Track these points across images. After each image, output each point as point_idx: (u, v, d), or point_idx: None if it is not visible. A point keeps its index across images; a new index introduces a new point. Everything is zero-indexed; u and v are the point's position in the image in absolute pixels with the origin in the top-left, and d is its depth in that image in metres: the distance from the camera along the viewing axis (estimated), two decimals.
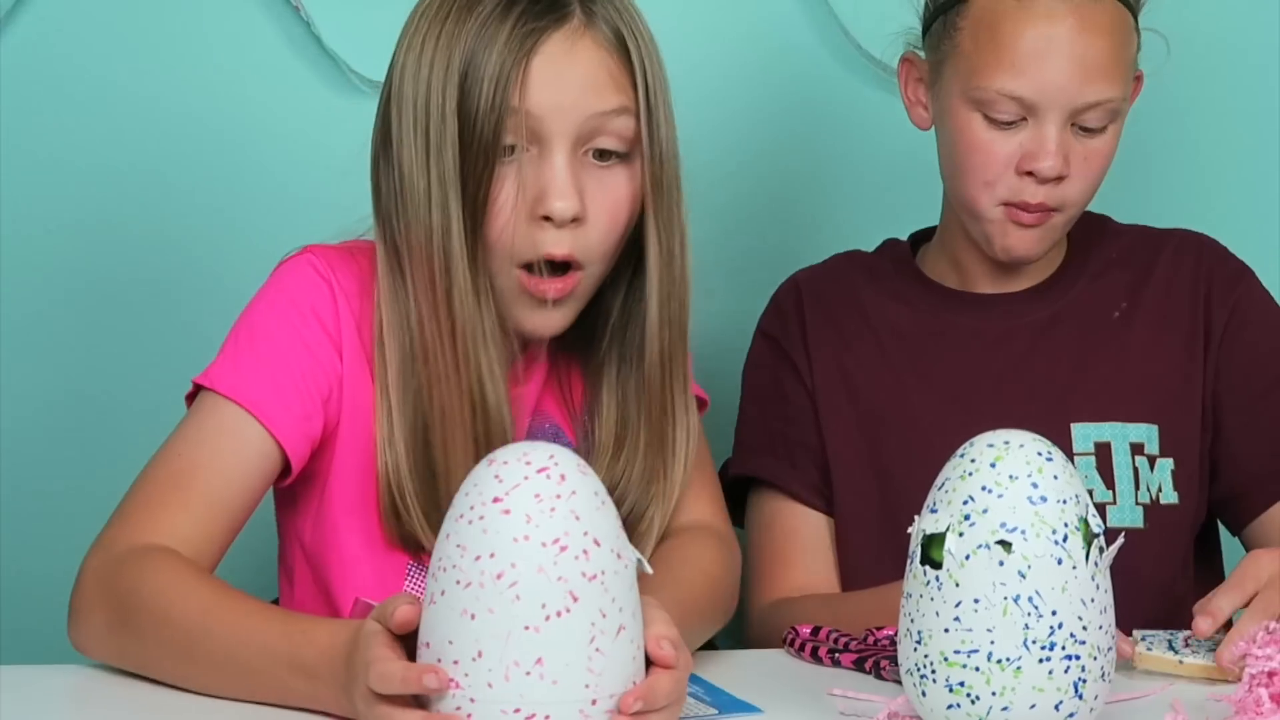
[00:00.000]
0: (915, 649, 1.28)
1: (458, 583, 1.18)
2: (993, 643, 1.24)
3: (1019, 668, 1.24)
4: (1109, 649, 1.27)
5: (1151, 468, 1.77)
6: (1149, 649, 1.48)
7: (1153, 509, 1.76)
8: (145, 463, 1.50)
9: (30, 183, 2.04)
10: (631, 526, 1.54)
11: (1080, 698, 1.25)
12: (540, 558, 1.16)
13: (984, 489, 1.25)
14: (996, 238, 1.74)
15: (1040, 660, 1.24)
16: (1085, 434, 1.76)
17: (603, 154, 1.51)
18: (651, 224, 1.53)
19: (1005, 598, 1.24)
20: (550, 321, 1.53)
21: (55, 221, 2.05)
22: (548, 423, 1.60)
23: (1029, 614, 1.24)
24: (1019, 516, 1.24)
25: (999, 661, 1.24)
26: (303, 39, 2.06)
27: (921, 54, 1.80)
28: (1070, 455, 1.74)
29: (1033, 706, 1.25)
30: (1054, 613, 1.24)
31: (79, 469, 2.06)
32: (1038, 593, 1.24)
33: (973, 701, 1.25)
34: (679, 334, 1.56)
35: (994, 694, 1.25)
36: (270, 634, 1.33)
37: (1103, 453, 1.76)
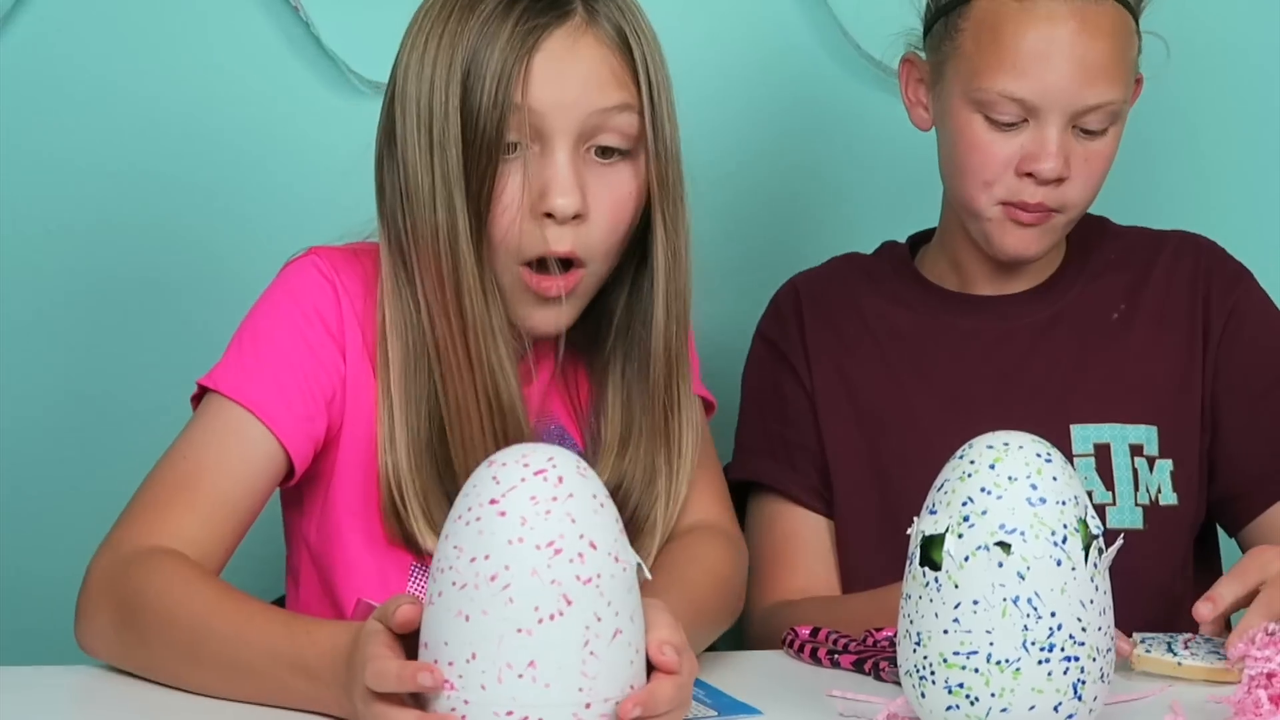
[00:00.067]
0: (914, 650, 1.28)
1: (454, 584, 1.18)
2: (992, 644, 1.24)
3: (1018, 669, 1.24)
4: (1108, 650, 1.27)
5: (1151, 469, 1.77)
6: (1148, 651, 1.48)
7: (1152, 510, 1.76)
8: (148, 464, 1.50)
9: (30, 183, 2.04)
10: (637, 526, 1.54)
11: (1079, 699, 1.25)
12: (534, 560, 1.16)
13: (983, 490, 1.25)
14: (995, 236, 1.74)
15: (1039, 661, 1.24)
16: (1085, 435, 1.76)
17: (605, 151, 1.51)
18: (658, 221, 1.53)
19: (1004, 599, 1.24)
20: (553, 319, 1.53)
21: (55, 222, 2.05)
22: (553, 424, 1.60)
23: (1028, 615, 1.24)
24: (1018, 518, 1.24)
25: (998, 663, 1.24)
26: (302, 39, 2.06)
27: (922, 55, 1.80)
28: (1070, 457, 1.74)
29: (1032, 708, 1.25)
30: (1053, 614, 1.24)
31: (81, 470, 2.06)
32: (1037, 594, 1.24)
33: (972, 703, 1.25)
34: (683, 331, 1.57)
35: (993, 695, 1.25)
36: (273, 635, 1.34)
37: (1102, 454, 1.76)
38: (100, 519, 1.48)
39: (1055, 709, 1.25)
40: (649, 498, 1.56)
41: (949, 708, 1.26)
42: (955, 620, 1.25)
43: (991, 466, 1.26)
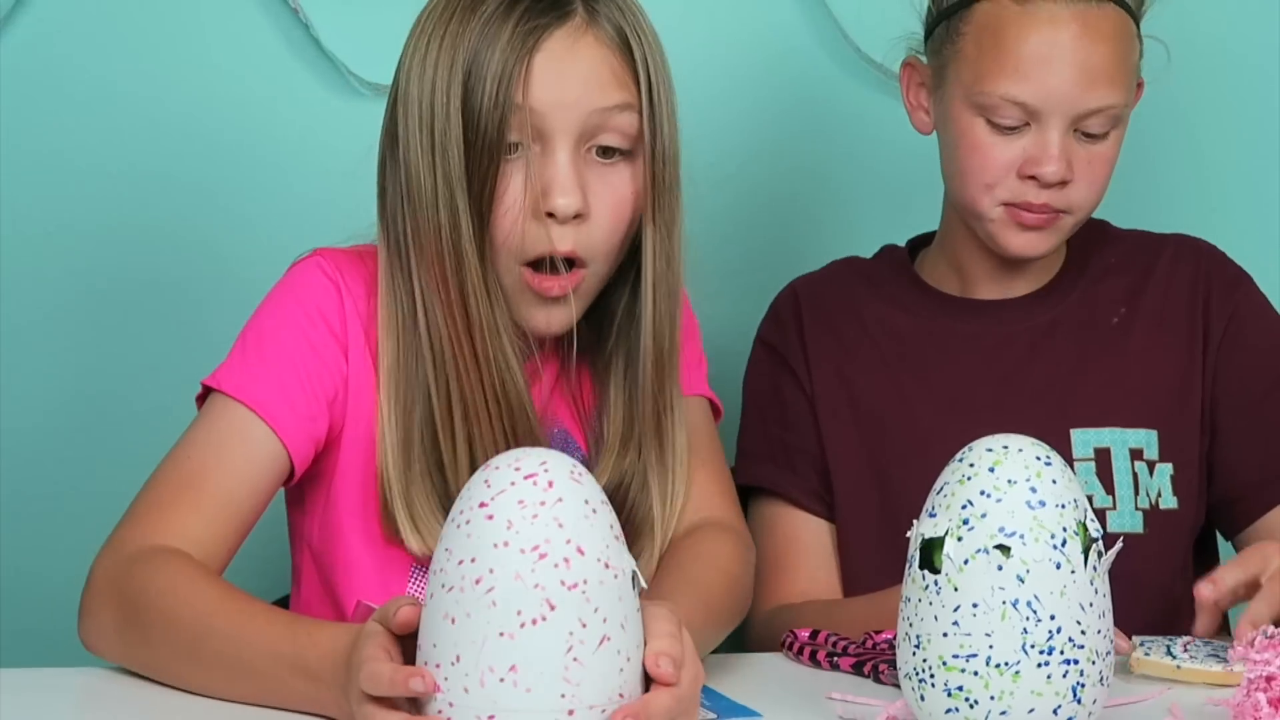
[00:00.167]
0: (914, 653, 1.28)
1: (443, 586, 1.18)
2: (991, 647, 1.24)
3: (1017, 672, 1.24)
4: (1107, 653, 1.27)
5: (1151, 473, 1.77)
6: (1147, 654, 1.48)
7: (1152, 514, 1.76)
8: (150, 464, 1.50)
9: (31, 184, 2.04)
10: (635, 527, 1.54)
11: (1078, 702, 1.25)
12: (518, 564, 1.15)
13: (983, 493, 1.25)
14: (999, 237, 1.74)
15: (1039, 665, 1.24)
16: (1085, 439, 1.76)
17: (606, 151, 1.51)
18: (650, 223, 1.53)
19: (1004, 602, 1.24)
20: (554, 319, 1.53)
21: (56, 223, 2.05)
22: (556, 427, 1.60)
23: (1027, 618, 1.24)
24: (1017, 521, 1.24)
25: (997, 666, 1.24)
26: (302, 41, 2.07)
27: (923, 59, 1.80)
28: (1070, 461, 1.74)
29: (1031, 711, 1.25)
30: (1052, 617, 1.24)
31: (83, 471, 2.06)
32: (1036, 597, 1.24)
33: (971, 706, 1.25)
34: (674, 332, 1.56)
35: (992, 698, 1.25)
36: (275, 636, 1.34)
37: (1102, 458, 1.76)
38: (103, 519, 1.48)
39: (1054, 712, 1.25)
40: (644, 497, 1.56)
41: (948, 710, 1.26)
42: (955, 623, 1.25)
43: (991, 470, 1.26)
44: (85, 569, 1.45)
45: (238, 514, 1.48)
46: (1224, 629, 1.78)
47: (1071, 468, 1.70)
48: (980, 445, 1.28)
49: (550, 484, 1.17)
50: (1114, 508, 1.75)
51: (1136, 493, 1.76)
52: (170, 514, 1.45)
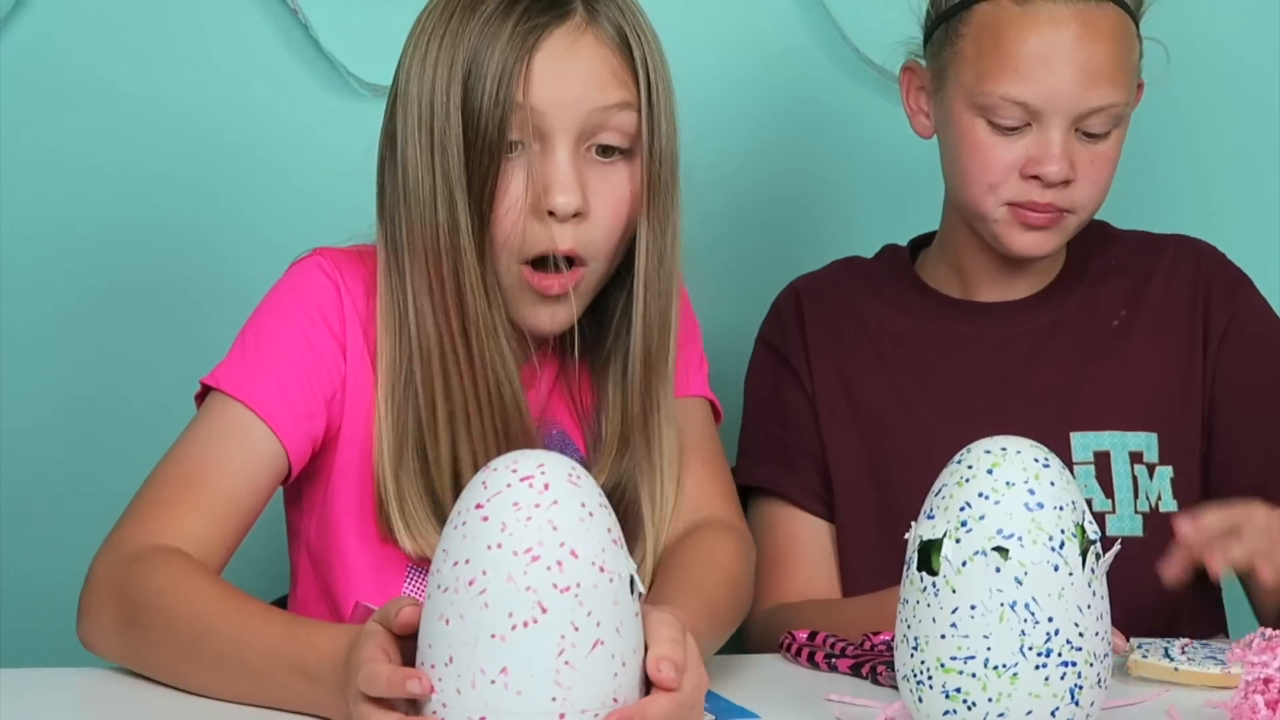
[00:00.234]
0: (912, 655, 1.28)
1: (439, 587, 1.18)
2: (989, 649, 1.24)
3: (1015, 674, 1.24)
4: (1105, 655, 1.27)
5: (1151, 476, 1.77)
6: (1145, 656, 1.48)
7: (1152, 517, 1.76)
8: (150, 464, 1.50)
9: (30, 185, 2.04)
10: (629, 529, 1.54)
11: (1076, 704, 1.25)
12: (510, 566, 1.15)
13: (981, 495, 1.25)
14: (1004, 237, 1.74)
15: (1036, 666, 1.24)
16: (1084, 443, 1.76)
17: (605, 150, 1.51)
18: (644, 222, 1.53)
19: (1002, 604, 1.24)
20: (554, 317, 1.53)
21: (55, 223, 2.05)
22: (555, 429, 1.60)
23: (1025, 620, 1.24)
24: (1016, 523, 1.24)
25: (995, 668, 1.24)
26: (301, 42, 2.07)
27: (923, 62, 1.80)
28: (1070, 464, 1.74)
29: (1029, 713, 1.25)
30: (1050, 619, 1.24)
31: (83, 471, 2.06)
32: (1034, 599, 1.24)
33: (969, 708, 1.25)
34: (665, 331, 1.56)
35: (990, 700, 1.25)
36: (274, 636, 1.34)
37: (1102, 462, 1.76)
38: (103, 519, 1.48)
39: (1052, 714, 1.25)
40: (636, 497, 1.56)
41: (946, 712, 1.26)
42: (953, 625, 1.25)
43: (989, 471, 1.26)
44: (85, 569, 1.45)
45: (237, 513, 1.48)
46: (1222, 631, 1.79)
47: (1071, 471, 1.70)
48: (978, 447, 1.28)
49: (546, 486, 1.17)
50: (1114, 511, 1.75)
51: (1136, 496, 1.76)
52: (169, 513, 1.45)
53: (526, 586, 1.15)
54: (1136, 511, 1.76)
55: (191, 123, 2.06)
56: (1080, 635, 1.25)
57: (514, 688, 1.15)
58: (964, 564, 1.25)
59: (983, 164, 1.72)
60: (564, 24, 1.49)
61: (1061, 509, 1.25)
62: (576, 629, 1.16)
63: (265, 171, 2.07)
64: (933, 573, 1.26)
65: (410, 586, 1.53)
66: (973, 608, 1.24)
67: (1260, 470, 1.78)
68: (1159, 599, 1.74)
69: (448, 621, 1.17)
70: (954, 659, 1.25)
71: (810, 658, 1.53)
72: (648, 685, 1.21)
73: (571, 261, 1.51)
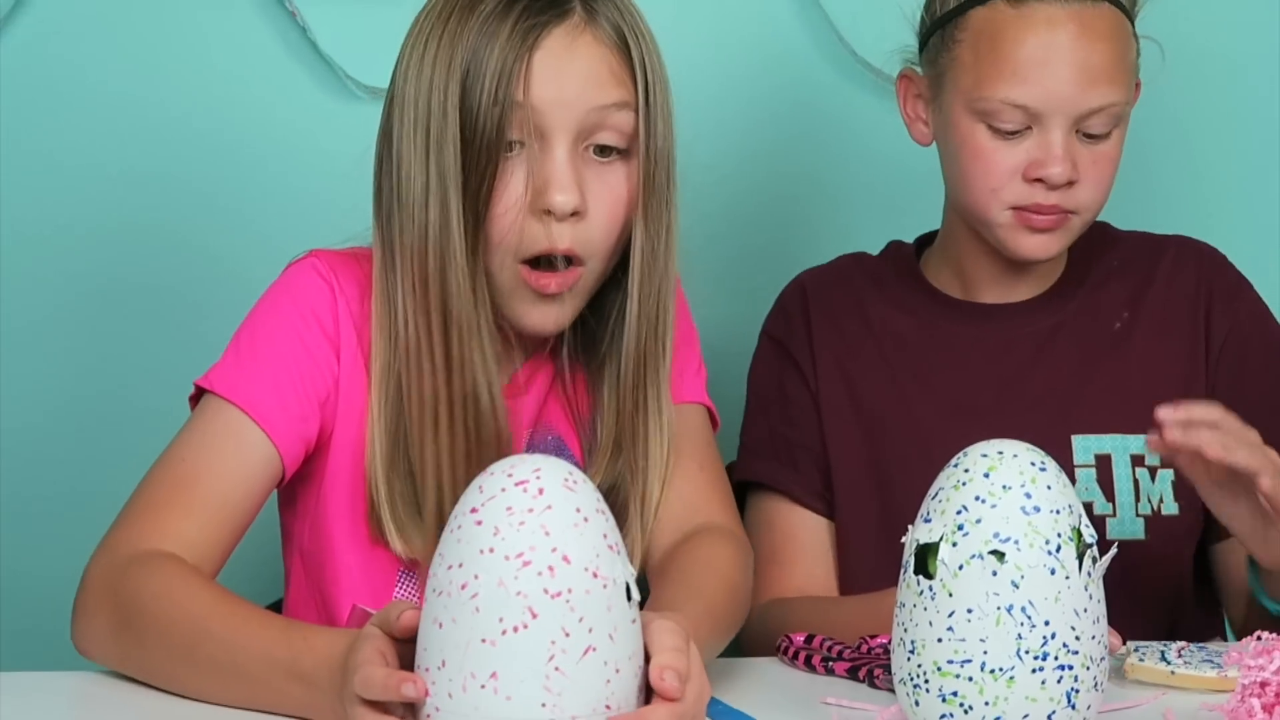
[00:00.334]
0: (909, 658, 1.28)
1: (434, 590, 1.18)
2: (986, 653, 1.24)
3: (1012, 678, 1.24)
4: (1102, 659, 1.27)
5: (1152, 479, 1.76)
6: (1141, 659, 1.48)
7: (1153, 520, 1.76)
8: (147, 465, 1.50)
9: (28, 186, 2.05)
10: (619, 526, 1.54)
11: (1073, 708, 1.25)
12: (501, 571, 1.15)
13: (977, 499, 1.25)
14: (1009, 241, 1.74)
15: (1033, 670, 1.24)
16: (1086, 446, 1.76)
17: (603, 150, 1.51)
18: (639, 222, 1.53)
19: (998, 608, 1.24)
20: (551, 317, 1.53)
21: (52, 224, 2.05)
22: (550, 435, 1.60)
23: (1022, 624, 1.24)
24: (1012, 526, 1.24)
25: (992, 671, 1.24)
26: (299, 44, 2.07)
27: (919, 70, 1.79)
28: (1071, 467, 1.74)
29: (1026, 716, 1.25)
30: (1047, 623, 1.24)
31: (80, 472, 2.06)
32: (1031, 603, 1.24)
33: (966, 711, 1.25)
34: (658, 333, 1.56)
35: (987, 704, 1.25)
36: (270, 641, 1.34)
37: (1103, 465, 1.76)
38: (100, 521, 1.48)
39: (1049, 717, 1.25)
40: (624, 498, 1.56)
41: (943, 716, 1.26)
42: (949, 628, 1.25)
43: (986, 475, 1.25)
44: (81, 570, 1.45)
45: (231, 517, 1.48)
46: (1219, 634, 1.79)
47: (1072, 474, 1.71)
48: (975, 451, 1.28)
49: (540, 491, 1.17)
50: (1114, 514, 1.75)
51: (1138, 499, 1.76)
52: (164, 517, 1.45)
53: (517, 591, 1.15)
54: (1138, 515, 1.75)
55: (190, 124, 2.06)
56: (1077, 639, 1.25)
57: (504, 692, 1.15)
58: (960, 567, 1.25)
59: (985, 169, 1.71)
60: (563, 23, 1.49)
61: (1058, 512, 1.25)
62: (568, 635, 1.15)
63: (263, 173, 2.08)
64: (929, 576, 1.26)
65: (401, 590, 1.53)
66: (969, 611, 1.24)
67: None
68: (1160, 602, 1.75)
69: (441, 625, 1.17)
70: (951, 662, 1.25)
71: (807, 661, 1.53)
72: (648, 693, 1.20)
73: (569, 260, 1.51)
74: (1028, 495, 1.25)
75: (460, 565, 1.16)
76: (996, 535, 1.24)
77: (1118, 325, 1.81)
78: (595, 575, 1.16)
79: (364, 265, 1.56)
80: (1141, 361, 1.79)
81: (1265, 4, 2.24)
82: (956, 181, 1.76)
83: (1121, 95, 1.70)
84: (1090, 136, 1.71)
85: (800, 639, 1.56)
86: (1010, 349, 1.80)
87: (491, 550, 1.15)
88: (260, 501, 1.51)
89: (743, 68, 2.16)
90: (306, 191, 2.05)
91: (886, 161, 2.14)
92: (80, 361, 2.07)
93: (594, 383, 1.60)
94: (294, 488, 1.56)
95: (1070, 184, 1.70)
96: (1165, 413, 1.49)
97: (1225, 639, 1.78)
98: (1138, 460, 1.76)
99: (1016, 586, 1.24)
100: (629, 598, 1.19)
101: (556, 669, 1.15)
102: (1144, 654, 1.49)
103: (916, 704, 1.28)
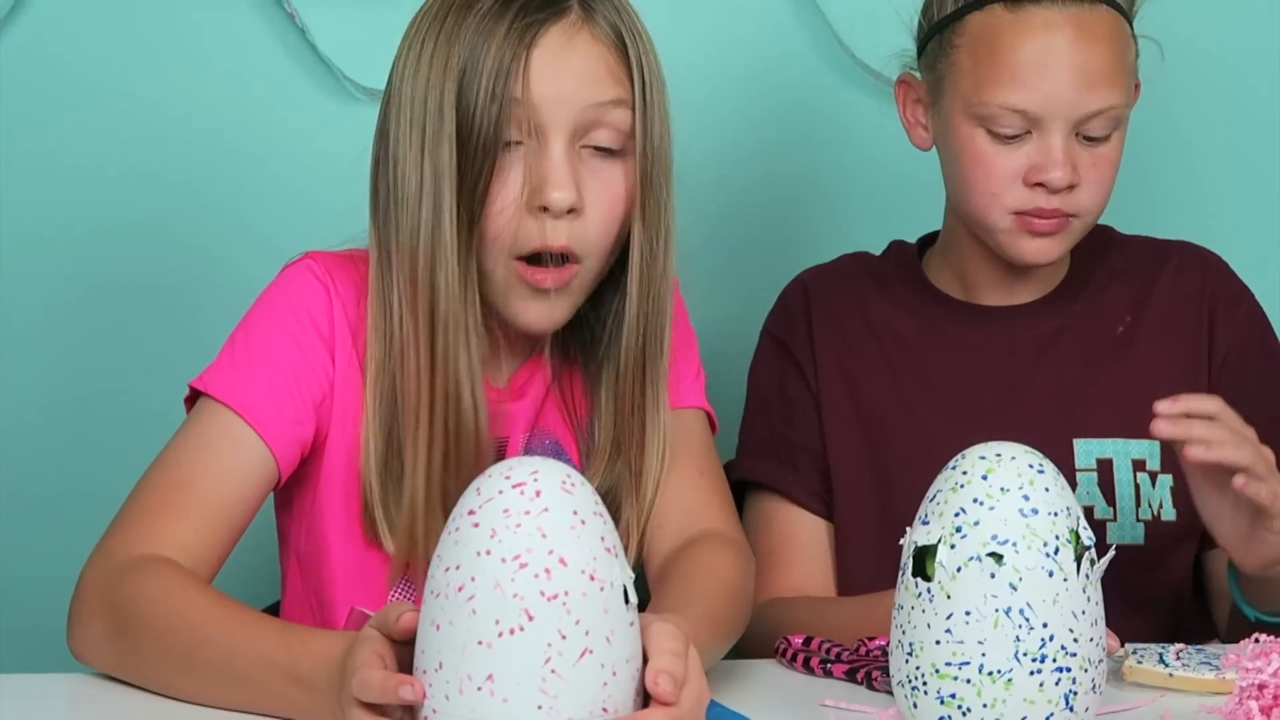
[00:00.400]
0: (907, 661, 1.28)
1: (432, 592, 1.18)
2: (984, 655, 1.24)
3: (1010, 680, 1.24)
4: (1100, 661, 1.27)
5: (1153, 484, 1.76)
6: (1139, 662, 1.48)
7: (1153, 526, 1.75)
8: (144, 466, 1.50)
9: (27, 186, 2.05)
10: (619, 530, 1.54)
11: (1071, 710, 1.25)
12: (498, 573, 1.15)
13: (975, 501, 1.25)
14: (1011, 246, 1.73)
15: (1031, 672, 1.24)
16: (1087, 450, 1.76)
17: (599, 150, 1.51)
18: (637, 221, 1.53)
19: (996, 610, 1.24)
20: (548, 314, 1.53)
21: (51, 225, 2.05)
22: (547, 439, 1.60)
23: (1020, 626, 1.24)
24: (1010, 529, 1.24)
25: (990, 673, 1.24)
26: (298, 45, 2.07)
27: (918, 75, 1.79)
28: (1072, 471, 1.73)
29: (1024, 718, 1.25)
30: (1045, 625, 1.24)
31: (78, 474, 2.06)
32: (1029, 605, 1.24)
33: (964, 713, 1.25)
34: (656, 334, 1.56)
35: (985, 706, 1.25)
36: (268, 644, 1.34)
37: (1104, 469, 1.75)
38: (97, 522, 1.48)
39: (1047, 719, 1.25)
40: (619, 499, 1.56)
41: (941, 718, 1.26)
42: (947, 631, 1.25)
43: (984, 477, 1.26)
44: (78, 571, 1.44)
45: (227, 520, 1.47)
46: (1215, 636, 1.79)
47: (1073, 478, 1.71)
48: (973, 453, 1.28)
49: (538, 493, 1.17)
50: (1114, 519, 1.75)
51: (1138, 504, 1.75)
52: (159, 521, 1.45)
53: (514, 594, 1.15)
54: (1138, 519, 1.75)
55: (188, 125, 2.06)
56: (1075, 641, 1.25)
57: (500, 695, 1.15)
58: (959, 570, 1.25)
59: (985, 174, 1.71)
60: (560, 21, 1.49)
61: (1056, 515, 1.25)
62: (564, 637, 1.15)
63: (261, 174, 2.08)
64: (927, 578, 1.26)
65: (396, 593, 1.53)
66: (967, 613, 1.24)
67: None
68: (1160, 607, 1.74)
69: (438, 627, 1.17)
70: (949, 665, 1.25)
71: (805, 663, 1.53)
72: (647, 696, 1.20)
73: (565, 258, 1.51)
74: (1026, 497, 1.25)
75: (457, 567, 1.16)
76: (994, 537, 1.24)
77: (1121, 329, 1.81)
78: (592, 578, 1.16)
79: (360, 267, 1.56)
80: (1144, 366, 1.79)
81: (1265, 4, 2.24)
82: (957, 187, 1.75)
83: (1121, 98, 1.70)
84: (1090, 139, 1.71)
85: (799, 641, 1.56)
86: (1013, 351, 1.80)
87: (488, 552, 1.15)
88: (256, 505, 1.51)
89: (740, 69, 2.16)
90: (304, 193, 2.05)
91: (884, 163, 2.14)
92: (78, 361, 2.07)
93: (591, 385, 1.60)
94: (290, 490, 1.56)
95: (1071, 188, 1.70)
96: (1163, 405, 1.49)
97: (1221, 641, 1.78)
98: (1139, 465, 1.76)
99: (1014, 589, 1.24)
100: (626, 600, 1.19)
101: (553, 671, 1.15)
102: (1142, 656, 1.49)
103: (915, 706, 1.28)
